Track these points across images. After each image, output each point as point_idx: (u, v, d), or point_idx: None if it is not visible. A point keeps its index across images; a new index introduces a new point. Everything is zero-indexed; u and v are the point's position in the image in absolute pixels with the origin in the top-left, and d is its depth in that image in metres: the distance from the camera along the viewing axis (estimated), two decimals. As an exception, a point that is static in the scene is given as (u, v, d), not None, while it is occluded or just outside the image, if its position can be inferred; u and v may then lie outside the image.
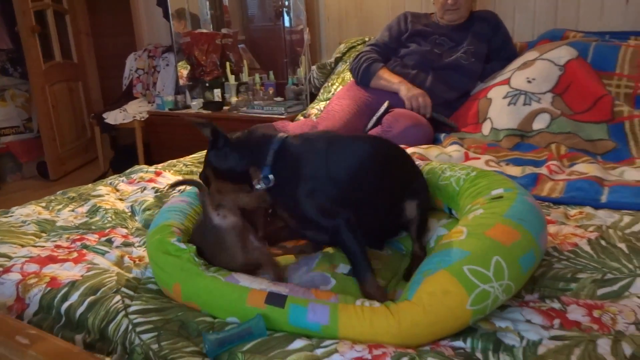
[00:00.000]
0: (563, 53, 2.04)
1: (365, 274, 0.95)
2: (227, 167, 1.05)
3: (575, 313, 0.85)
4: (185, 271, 0.92)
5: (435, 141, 2.02)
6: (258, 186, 1.01)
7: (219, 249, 0.97)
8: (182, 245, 0.98)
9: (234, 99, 3.29)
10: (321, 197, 0.99)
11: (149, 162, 3.20)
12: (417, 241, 1.12)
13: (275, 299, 0.84)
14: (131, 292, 0.95)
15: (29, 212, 1.42)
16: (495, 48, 2.25)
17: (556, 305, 0.88)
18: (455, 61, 2.19)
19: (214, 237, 0.97)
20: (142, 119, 3.46)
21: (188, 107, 3.41)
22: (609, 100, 1.86)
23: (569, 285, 0.93)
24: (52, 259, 1.09)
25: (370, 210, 1.07)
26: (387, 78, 2.18)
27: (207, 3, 3.65)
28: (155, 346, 0.81)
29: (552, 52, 2.08)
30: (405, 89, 2.10)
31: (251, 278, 0.90)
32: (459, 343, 0.80)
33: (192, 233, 1.06)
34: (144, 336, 0.84)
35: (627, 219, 1.20)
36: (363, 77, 2.24)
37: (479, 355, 0.77)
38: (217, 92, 3.35)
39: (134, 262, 1.12)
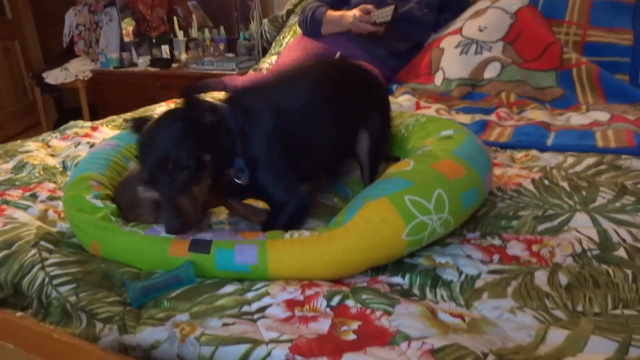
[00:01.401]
0: (514, 1, 2.01)
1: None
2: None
3: (515, 248, 0.84)
4: (101, 229, 0.86)
5: (388, 92, 1.97)
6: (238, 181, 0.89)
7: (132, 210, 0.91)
8: (99, 203, 0.91)
9: (183, 56, 3.14)
10: (282, 168, 0.91)
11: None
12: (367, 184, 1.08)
13: (199, 246, 0.79)
14: (50, 246, 0.88)
15: (-55, 169, 1.31)
16: (448, -1, 2.20)
17: (497, 241, 0.87)
18: (408, 12, 2.13)
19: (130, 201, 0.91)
20: (86, 79, 3.27)
21: (134, 64, 3.24)
22: (558, 47, 1.85)
23: (511, 223, 0.92)
24: (-33, 214, 1.00)
25: (324, 140, 1.01)
26: (332, 17, 2.10)
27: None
28: (73, 298, 0.75)
29: (503, 0, 2.04)
30: (348, 17, 2.03)
31: None
32: (397, 279, 0.77)
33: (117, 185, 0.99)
34: (62, 288, 0.77)
35: (570, 160, 1.20)
36: (312, 27, 2.15)
37: (415, 291, 0.75)
38: (165, 48, 3.19)
39: (59, 215, 1.04)
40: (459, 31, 2.03)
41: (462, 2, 2.21)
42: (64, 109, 3.92)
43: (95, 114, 3.35)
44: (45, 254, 0.85)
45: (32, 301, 0.78)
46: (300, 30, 2.51)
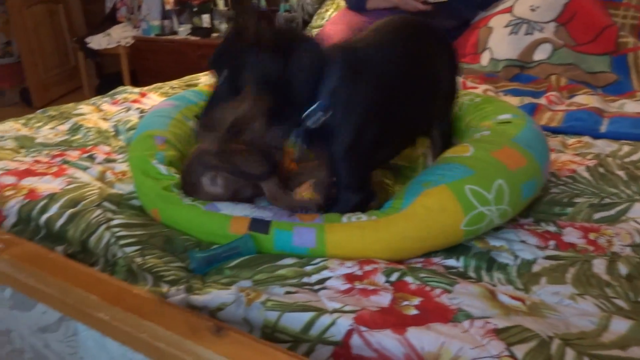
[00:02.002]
0: (570, -20, 1.94)
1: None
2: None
3: (571, 235, 0.83)
4: (163, 199, 0.88)
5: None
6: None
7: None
8: (163, 170, 0.93)
9: (223, 26, 3.14)
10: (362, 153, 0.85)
11: (135, 89, 3.09)
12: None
13: (259, 225, 0.80)
14: (113, 207, 0.92)
15: (6, 129, 1.36)
16: (499, -24, 2.13)
17: (552, 228, 0.86)
18: (457, -11, 2.08)
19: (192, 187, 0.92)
20: (127, 45, 3.31)
21: (175, 32, 3.26)
22: (614, 31, 1.79)
23: (565, 210, 0.92)
24: (30, 172, 1.04)
25: (410, 122, 0.94)
26: None
27: None
28: (139, 259, 0.78)
29: (559, -21, 1.97)
30: None
31: (232, 205, 0.86)
32: (451, 261, 0.78)
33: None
34: (128, 249, 0.81)
35: (626, 149, 1.18)
36: (357, 0, 2.13)
37: (471, 273, 0.75)
38: (206, 17, 3.20)
39: (117, 177, 1.08)
40: (510, 10, 1.97)
41: (514, -21, 2.14)
42: (105, 74, 3.99)
43: (136, 80, 3.40)
44: (109, 214, 0.88)
45: (98, 259, 0.82)
46: (343, 4, 2.48)
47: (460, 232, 0.78)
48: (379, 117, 0.85)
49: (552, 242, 0.82)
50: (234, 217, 0.83)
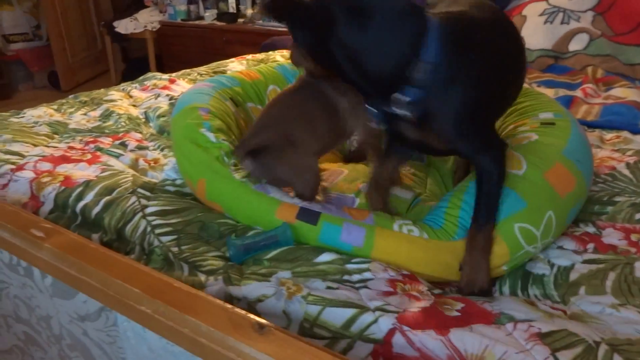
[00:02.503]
0: (610, -32, 1.87)
1: (488, 221, 0.75)
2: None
3: (611, 237, 0.81)
4: (213, 170, 0.87)
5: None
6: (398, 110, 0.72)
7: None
8: (212, 138, 0.92)
9: (249, 11, 3.13)
10: (482, 117, 0.76)
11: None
12: None
13: (308, 215, 0.79)
14: (147, 193, 0.92)
15: (40, 114, 1.38)
16: (535, -39, 2.06)
17: (591, 229, 0.84)
18: (491, -26, 2.02)
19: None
20: (154, 29, 3.32)
21: (201, 17, 3.26)
22: (656, 21, 1.72)
23: (605, 209, 0.89)
24: (65, 159, 1.06)
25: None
26: None
27: None
28: (175, 249, 0.79)
29: (598, -34, 1.90)
30: None
31: (282, 192, 0.85)
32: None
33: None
34: (164, 238, 0.81)
35: (668, 145, 1.14)
36: None
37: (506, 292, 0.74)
38: (232, 2, 3.18)
39: (149, 164, 1.08)
40: (545, -2, 1.91)
41: (550, -34, 2.08)
42: (131, 58, 4.01)
43: (161, 65, 3.42)
44: (144, 202, 0.89)
45: (134, 247, 0.83)
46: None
47: (500, 271, 0.77)
48: (487, 98, 0.76)
49: (590, 245, 0.79)
50: (283, 202, 0.82)
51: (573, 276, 0.73)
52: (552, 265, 0.76)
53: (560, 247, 0.80)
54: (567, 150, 0.87)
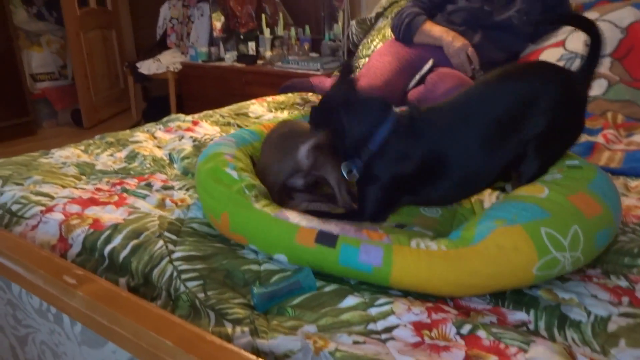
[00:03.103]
0: (626, 14, 1.90)
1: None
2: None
3: (645, 291, 0.79)
4: (234, 202, 0.90)
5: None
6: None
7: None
8: (235, 175, 0.95)
9: (268, 53, 3.21)
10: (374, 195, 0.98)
11: (181, 113, 3.18)
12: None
13: (326, 239, 0.80)
14: (174, 237, 0.93)
15: (68, 155, 1.41)
16: (549, 8, 2.11)
17: (623, 282, 0.82)
18: (507, 20, 2.06)
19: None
20: (176, 70, 3.42)
21: (222, 59, 3.35)
22: (674, 67, 1.73)
23: (636, 261, 0.87)
24: (93, 201, 1.08)
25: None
26: (431, 31, 2.06)
27: (245, -49, 3.52)
28: (201, 295, 0.79)
29: (613, 13, 1.93)
30: (449, 42, 1.99)
31: (300, 215, 0.87)
32: (521, 315, 0.75)
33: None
34: (190, 284, 0.81)
35: (694, 194, 1.12)
36: (405, 33, 2.13)
37: (543, 332, 0.72)
38: (252, 45, 3.27)
39: (176, 204, 1.10)
40: (562, 44, 1.94)
41: (565, 12, 2.12)
42: (151, 96, 4.12)
43: (182, 104, 3.50)
44: (171, 247, 0.89)
45: (160, 292, 0.83)
46: (389, 35, 2.50)
47: (531, 275, 0.76)
48: (409, 176, 0.96)
49: (625, 298, 0.78)
50: (302, 227, 0.83)
51: (611, 327, 0.71)
52: (588, 313, 0.74)
53: (595, 296, 0.79)
54: (592, 185, 0.88)
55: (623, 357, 0.65)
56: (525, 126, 0.93)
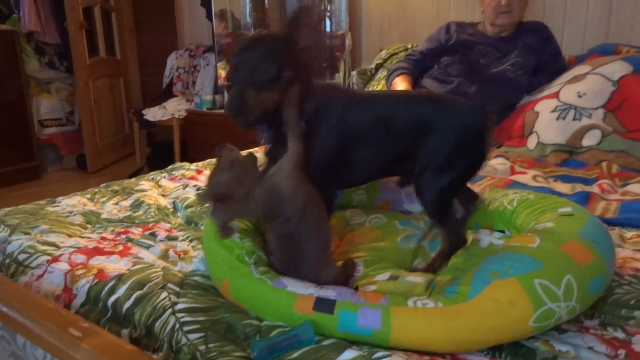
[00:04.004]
0: (617, 68, 1.97)
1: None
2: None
3: (641, 344, 0.80)
4: (234, 268, 0.91)
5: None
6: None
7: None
8: (237, 238, 0.96)
9: (271, 101, 3.30)
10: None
11: (185, 159, 3.22)
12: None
13: (324, 305, 0.81)
14: (177, 288, 0.95)
15: (74, 203, 1.44)
16: (544, 61, 2.19)
17: (620, 334, 0.83)
18: (502, 73, 2.14)
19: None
20: (181, 117, 3.51)
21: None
22: (666, 119, 1.78)
23: (633, 313, 0.88)
24: (98, 251, 1.10)
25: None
26: (394, 86, 2.19)
27: (250, 5, 3.68)
28: (202, 347, 0.80)
29: (605, 66, 2.01)
30: None
31: (297, 282, 0.88)
32: (519, 366, 0.76)
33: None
34: (191, 336, 0.82)
35: (690, 245, 1.14)
36: (387, 86, 2.25)
37: (541, 384, 0.73)
38: (255, 93, 3.36)
39: (179, 255, 1.12)
40: (556, 95, 2.00)
41: (558, 66, 2.19)
42: (155, 142, 4.20)
43: (185, 150, 3.57)
44: (174, 298, 0.91)
45: (162, 344, 0.84)
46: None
47: (528, 328, 0.77)
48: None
49: (622, 352, 0.79)
50: (299, 295, 0.84)
51: (607, 382, 0.72)
52: (587, 366, 0.75)
53: (591, 349, 0.79)
54: (582, 232, 0.91)
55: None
56: (416, 146, 1.08)
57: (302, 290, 0.85)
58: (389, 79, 2.25)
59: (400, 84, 2.17)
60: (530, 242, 0.88)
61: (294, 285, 0.87)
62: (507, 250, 0.89)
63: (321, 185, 1.02)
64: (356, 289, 0.95)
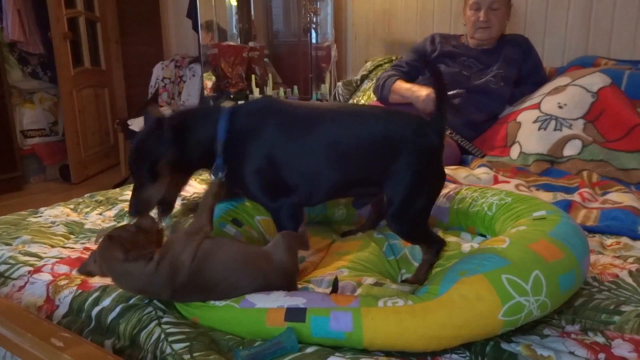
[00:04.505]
0: (596, 80, 2.02)
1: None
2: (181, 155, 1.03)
3: (621, 348, 0.82)
4: (198, 306, 0.89)
5: (462, 162, 2.00)
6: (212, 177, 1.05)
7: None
8: None
9: (257, 112, 3.30)
10: (265, 178, 1.04)
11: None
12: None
13: (295, 314, 0.82)
14: (162, 306, 0.92)
15: (57, 213, 1.43)
16: (525, 73, 2.24)
17: (600, 339, 0.85)
18: (484, 85, 2.18)
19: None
20: (166, 128, 3.49)
21: (212, 117, 3.43)
22: (644, 129, 1.83)
23: (612, 318, 0.90)
24: (81, 261, 1.08)
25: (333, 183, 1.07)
26: (400, 89, 2.17)
27: (236, 17, 3.70)
28: (187, 356, 0.79)
29: (584, 78, 2.06)
30: (415, 95, 2.07)
31: (265, 297, 0.87)
32: (500, 370, 0.77)
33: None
34: (176, 346, 0.82)
35: (668, 252, 1.17)
36: (381, 94, 2.24)
37: (522, 390, 0.74)
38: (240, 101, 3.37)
39: (164, 269, 1.11)
40: (537, 106, 2.04)
41: (539, 78, 2.24)
42: (141, 153, 4.17)
43: (171, 161, 3.54)
44: (159, 313, 0.90)
45: (146, 354, 0.83)
46: (373, 96, 2.61)
47: (498, 321, 0.79)
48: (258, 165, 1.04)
49: (602, 355, 0.80)
50: (269, 309, 0.84)
51: (587, 386, 0.73)
52: (568, 370, 0.76)
53: (572, 353, 0.81)
54: (552, 232, 0.94)
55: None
56: (375, 164, 1.04)
57: (270, 304, 0.85)
58: (383, 86, 2.23)
59: (404, 84, 2.17)
60: (500, 244, 0.91)
61: (261, 301, 0.86)
62: (477, 252, 0.92)
63: (270, 199, 1.05)
64: (335, 280, 0.96)
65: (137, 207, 1.03)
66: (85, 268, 0.91)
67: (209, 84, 3.57)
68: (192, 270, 0.87)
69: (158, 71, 3.85)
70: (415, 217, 1.06)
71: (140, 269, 0.86)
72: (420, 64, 2.28)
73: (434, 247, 1.10)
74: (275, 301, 0.85)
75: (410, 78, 2.25)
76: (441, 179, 1.10)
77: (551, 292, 0.83)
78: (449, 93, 2.05)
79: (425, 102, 2.01)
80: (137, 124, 3.52)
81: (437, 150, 1.06)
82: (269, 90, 3.40)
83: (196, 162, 1.08)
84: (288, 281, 0.94)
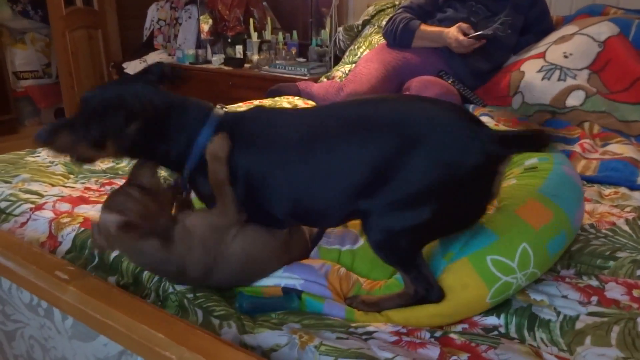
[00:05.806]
0: (604, 29, 1.97)
1: None
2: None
3: (614, 291, 0.84)
4: None
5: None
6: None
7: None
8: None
9: (255, 57, 3.23)
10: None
11: (168, 115, 3.17)
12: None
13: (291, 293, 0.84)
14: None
15: (55, 154, 1.42)
16: (531, 21, 2.18)
17: (594, 282, 0.87)
18: (492, 32, 2.12)
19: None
20: (162, 71, 3.42)
21: (209, 62, 3.36)
22: (648, 81, 1.80)
23: (607, 263, 0.92)
24: (83, 200, 1.09)
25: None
26: (428, 32, 2.11)
27: (233, -44, 3.54)
28: (190, 295, 0.81)
29: (592, 27, 2.00)
30: (448, 35, 2.03)
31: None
32: (492, 319, 0.79)
33: None
34: (179, 286, 0.83)
35: (665, 202, 1.18)
36: (402, 38, 2.16)
37: (513, 334, 0.76)
38: (239, 48, 3.29)
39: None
40: (542, 55, 2.00)
41: (545, 26, 2.18)
42: (137, 97, 4.11)
43: (168, 106, 3.49)
44: (161, 250, 0.91)
45: (150, 293, 0.85)
46: (376, 42, 2.54)
47: (486, 304, 0.80)
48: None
49: (594, 298, 0.82)
50: (267, 286, 0.85)
51: (578, 325, 0.75)
52: (558, 313, 0.78)
53: (565, 297, 0.83)
54: (542, 189, 0.92)
55: (588, 355, 0.69)
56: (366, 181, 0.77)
57: (267, 281, 0.85)
58: (403, 30, 2.14)
59: (430, 27, 2.11)
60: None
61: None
62: None
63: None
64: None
65: (49, 137, 0.83)
66: (96, 243, 0.77)
67: (205, 27, 3.46)
68: (203, 272, 0.81)
69: (153, 12, 3.72)
70: (394, 232, 0.78)
71: (153, 250, 0.77)
72: (429, 7, 2.20)
73: (419, 284, 0.80)
74: (272, 279, 0.86)
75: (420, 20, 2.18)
76: (466, 211, 0.81)
77: (539, 261, 0.82)
78: (478, 33, 2.00)
79: (461, 43, 1.97)
80: (131, 67, 3.44)
81: (472, 167, 0.77)
82: (267, 35, 3.31)
83: (150, 154, 0.87)
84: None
